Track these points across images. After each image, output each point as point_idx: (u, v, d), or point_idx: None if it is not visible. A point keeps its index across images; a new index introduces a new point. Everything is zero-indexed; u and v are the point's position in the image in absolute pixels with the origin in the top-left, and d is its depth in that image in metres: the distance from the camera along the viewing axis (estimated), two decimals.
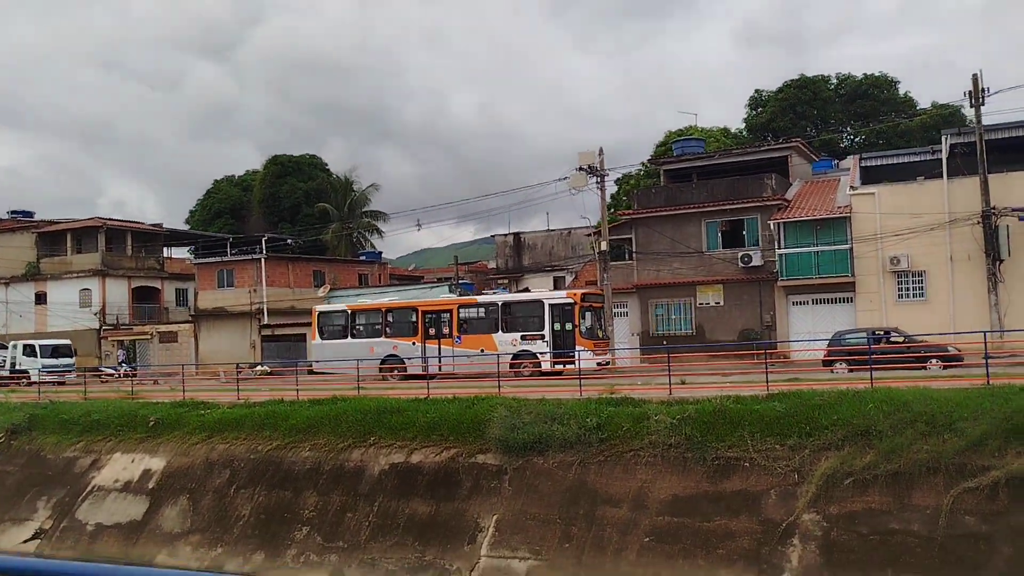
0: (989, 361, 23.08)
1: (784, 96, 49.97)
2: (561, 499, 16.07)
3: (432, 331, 29.93)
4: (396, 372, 29.30)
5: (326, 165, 66.47)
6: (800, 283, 32.32)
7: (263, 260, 45.29)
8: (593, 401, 18.04)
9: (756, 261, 33.30)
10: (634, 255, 36.55)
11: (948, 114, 45.54)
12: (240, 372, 37.41)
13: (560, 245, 64.43)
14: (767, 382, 17.60)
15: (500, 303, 29.45)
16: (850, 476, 14.23)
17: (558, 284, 55.56)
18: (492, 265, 70.21)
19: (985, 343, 17.06)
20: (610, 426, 16.75)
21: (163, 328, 48.28)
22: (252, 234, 57.23)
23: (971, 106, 28.98)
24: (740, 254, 33.72)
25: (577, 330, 27.38)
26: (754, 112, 52.27)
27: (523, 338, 28.06)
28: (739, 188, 34.78)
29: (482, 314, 29.50)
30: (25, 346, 40.74)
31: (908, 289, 30.67)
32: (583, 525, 15.54)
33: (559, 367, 26.92)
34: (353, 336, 31.51)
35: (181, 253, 61.24)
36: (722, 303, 34.26)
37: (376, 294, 41.04)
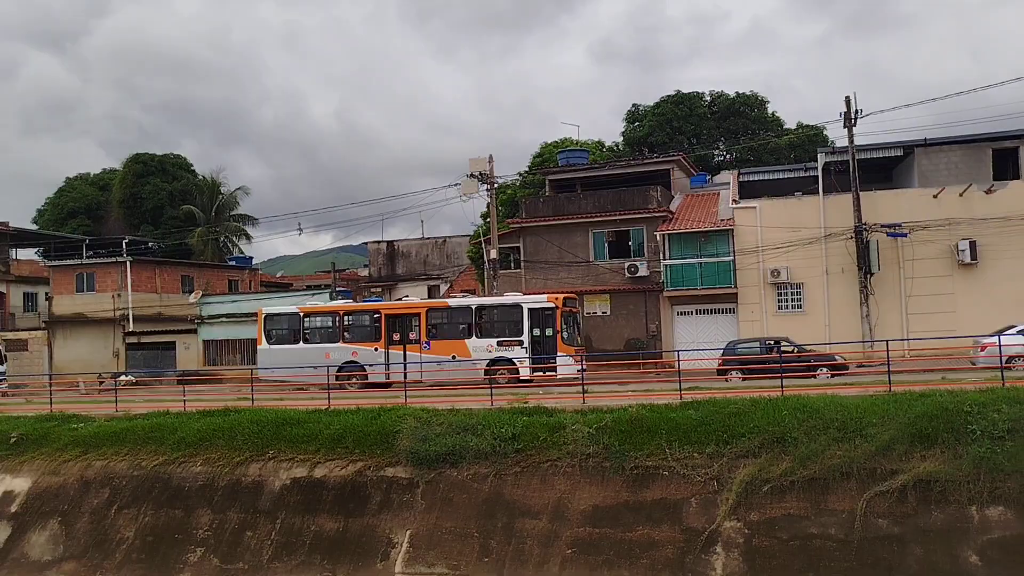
0: (865, 369, 24.44)
1: (661, 111, 51.14)
2: (478, 512, 15.62)
3: (397, 336, 28.37)
4: (355, 380, 27.64)
5: (191, 166, 63.37)
6: (685, 294, 33.03)
7: (128, 264, 42.55)
8: (505, 411, 17.67)
9: (642, 271, 33.82)
10: (522, 264, 36.47)
11: (813, 134, 47.89)
12: (102, 382, 35.01)
13: (435, 254, 63.83)
14: (680, 390, 17.72)
15: (475, 307, 28.13)
16: (768, 483, 14.44)
17: (432, 293, 54.98)
18: (364, 273, 68.89)
19: (887, 352, 17.76)
20: (526, 436, 16.46)
21: (10, 335, 44.46)
22: (111, 236, 53.88)
23: (844, 127, 30.51)
24: (627, 264, 34.16)
25: (559, 336, 26.46)
26: (631, 126, 53.29)
27: (500, 344, 26.93)
28: (625, 199, 35.28)
29: (454, 318, 28.11)
30: None
31: (787, 300, 31.84)
32: (502, 538, 15.14)
33: (538, 374, 26.03)
34: (306, 341, 29.37)
35: (29, 255, 56.88)
36: (609, 313, 34.60)
37: (253, 300, 39.27)
